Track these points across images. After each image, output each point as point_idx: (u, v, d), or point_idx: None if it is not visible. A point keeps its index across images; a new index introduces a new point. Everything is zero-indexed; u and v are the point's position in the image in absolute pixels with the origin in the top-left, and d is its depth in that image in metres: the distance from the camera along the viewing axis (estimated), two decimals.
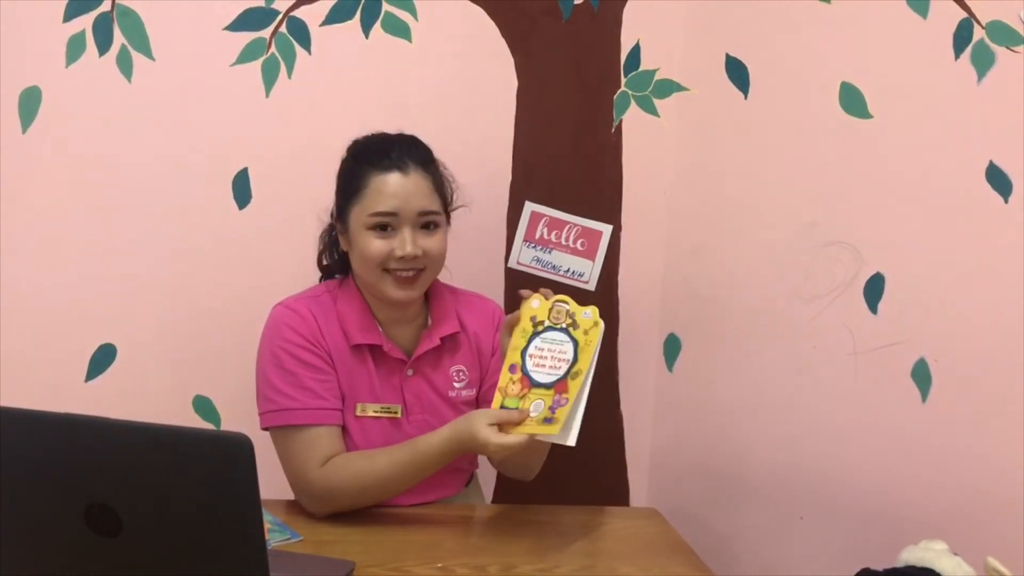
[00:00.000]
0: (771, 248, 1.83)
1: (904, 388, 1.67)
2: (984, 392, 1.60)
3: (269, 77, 1.79)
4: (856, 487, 1.73)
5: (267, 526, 1.34)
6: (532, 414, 1.37)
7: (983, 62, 1.57)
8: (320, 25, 1.80)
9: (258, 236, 1.83)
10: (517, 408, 1.38)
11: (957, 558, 1.26)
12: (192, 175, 1.79)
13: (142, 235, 1.79)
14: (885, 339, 1.69)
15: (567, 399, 1.37)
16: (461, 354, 1.57)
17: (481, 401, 1.57)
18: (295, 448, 1.44)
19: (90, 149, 1.76)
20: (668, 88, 1.92)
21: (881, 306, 1.70)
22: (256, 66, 1.78)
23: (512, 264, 1.91)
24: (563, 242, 1.91)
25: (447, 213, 1.52)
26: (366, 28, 1.81)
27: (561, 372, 1.40)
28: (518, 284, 1.52)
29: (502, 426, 1.37)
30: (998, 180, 1.57)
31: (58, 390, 1.78)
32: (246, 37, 1.77)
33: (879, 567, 1.27)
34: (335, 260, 1.59)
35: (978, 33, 1.57)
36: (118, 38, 1.74)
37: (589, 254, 1.91)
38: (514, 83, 1.89)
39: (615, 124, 1.93)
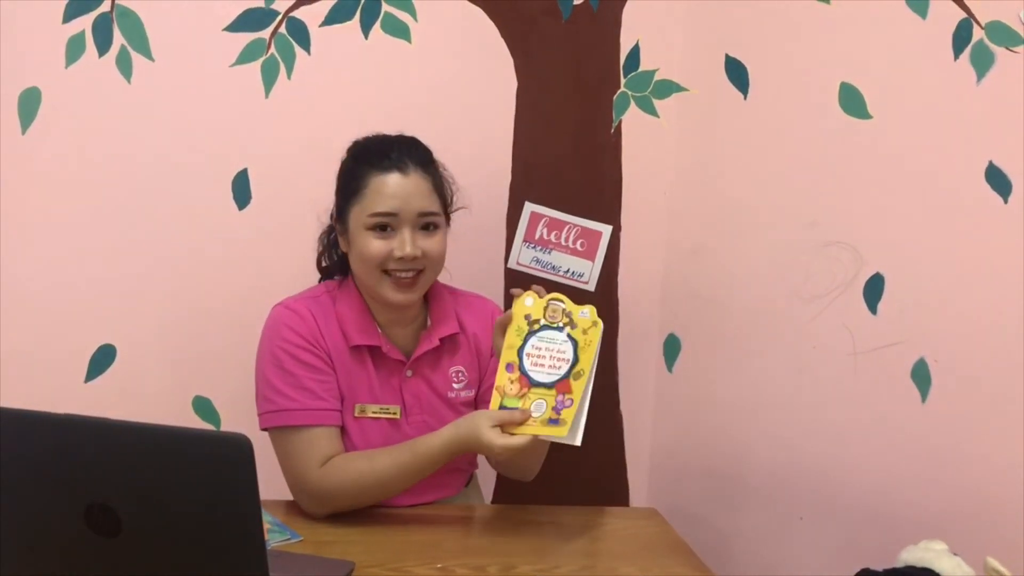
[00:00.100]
0: (771, 248, 1.83)
1: (904, 388, 1.67)
2: (984, 392, 1.60)
3: (269, 78, 1.79)
4: (856, 487, 1.73)
5: (267, 526, 1.34)
6: (534, 414, 1.37)
7: (982, 62, 1.57)
8: (320, 26, 1.80)
9: (258, 237, 1.83)
10: (518, 408, 1.38)
11: (957, 558, 1.26)
12: (192, 176, 1.79)
13: (142, 236, 1.79)
14: (885, 339, 1.69)
15: (572, 400, 1.37)
16: (460, 355, 1.57)
17: (480, 402, 1.57)
18: (294, 449, 1.44)
19: (90, 150, 1.76)
20: (668, 88, 1.92)
21: (881, 306, 1.70)
22: (256, 67, 1.78)
23: (512, 264, 1.91)
24: (563, 242, 1.91)
25: (447, 214, 1.52)
26: (366, 29, 1.81)
27: (562, 372, 1.40)
28: (517, 285, 1.52)
29: (505, 427, 1.37)
30: (997, 180, 1.57)
31: (58, 390, 1.78)
32: (246, 38, 1.77)
33: (879, 567, 1.27)
34: (334, 261, 1.59)
35: (977, 33, 1.57)
36: (118, 39, 1.74)
37: (589, 254, 1.91)
38: (514, 83, 1.89)
39: (615, 124, 1.93)
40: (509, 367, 1.41)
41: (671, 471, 2.01)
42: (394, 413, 1.51)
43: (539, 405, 1.38)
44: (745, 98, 1.84)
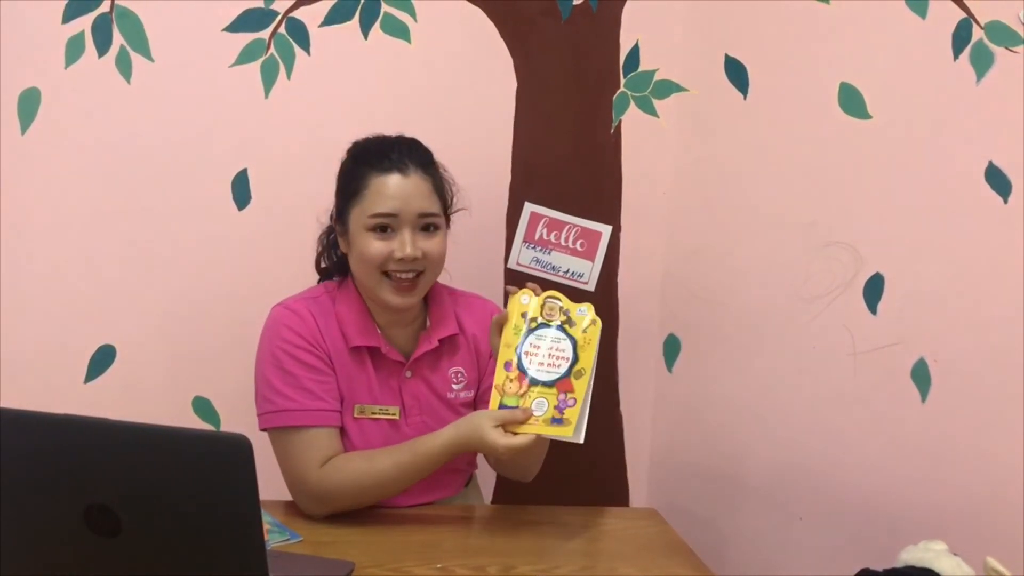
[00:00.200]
0: (771, 249, 1.83)
1: (903, 388, 1.67)
2: (984, 392, 1.60)
3: (268, 78, 1.79)
4: (856, 487, 1.73)
5: (266, 527, 1.34)
6: (536, 413, 1.37)
7: (982, 62, 1.57)
8: (319, 26, 1.80)
9: (257, 237, 1.83)
10: (519, 407, 1.38)
11: (957, 558, 1.26)
12: (191, 176, 1.79)
13: (141, 236, 1.79)
14: (885, 339, 1.69)
15: (575, 399, 1.37)
16: (460, 356, 1.57)
17: (479, 402, 1.57)
18: (294, 449, 1.44)
19: (89, 150, 1.76)
20: (667, 88, 1.92)
21: (881, 306, 1.70)
22: (255, 67, 1.79)
23: (512, 265, 1.91)
24: (562, 243, 1.91)
25: (447, 215, 1.52)
26: (365, 29, 1.81)
27: (562, 370, 1.40)
28: (517, 285, 1.52)
29: (507, 426, 1.37)
30: (997, 180, 1.57)
31: (58, 391, 1.78)
32: (245, 38, 1.77)
33: (878, 567, 1.27)
34: (334, 262, 1.59)
35: (977, 33, 1.57)
36: (117, 39, 1.74)
37: (589, 255, 1.91)
38: (513, 84, 1.89)
39: (614, 125, 1.93)
40: (507, 365, 1.41)
41: (671, 471, 2.00)
42: (393, 414, 1.50)
43: (540, 404, 1.38)
44: (745, 98, 1.84)
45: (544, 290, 1.47)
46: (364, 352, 1.50)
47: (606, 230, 1.90)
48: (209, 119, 1.79)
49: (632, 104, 1.92)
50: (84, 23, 1.73)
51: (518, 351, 1.41)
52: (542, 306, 1.43)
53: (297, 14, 1.79)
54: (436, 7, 1.83)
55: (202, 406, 1.85)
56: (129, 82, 1.75)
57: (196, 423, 1.83)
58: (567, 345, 1.41)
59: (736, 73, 1.84)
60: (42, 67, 1.72)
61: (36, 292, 1.77)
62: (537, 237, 1.90)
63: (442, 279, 1.57)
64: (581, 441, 1.37)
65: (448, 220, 1.53)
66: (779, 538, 1.85)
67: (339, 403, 1.48)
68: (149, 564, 0.95)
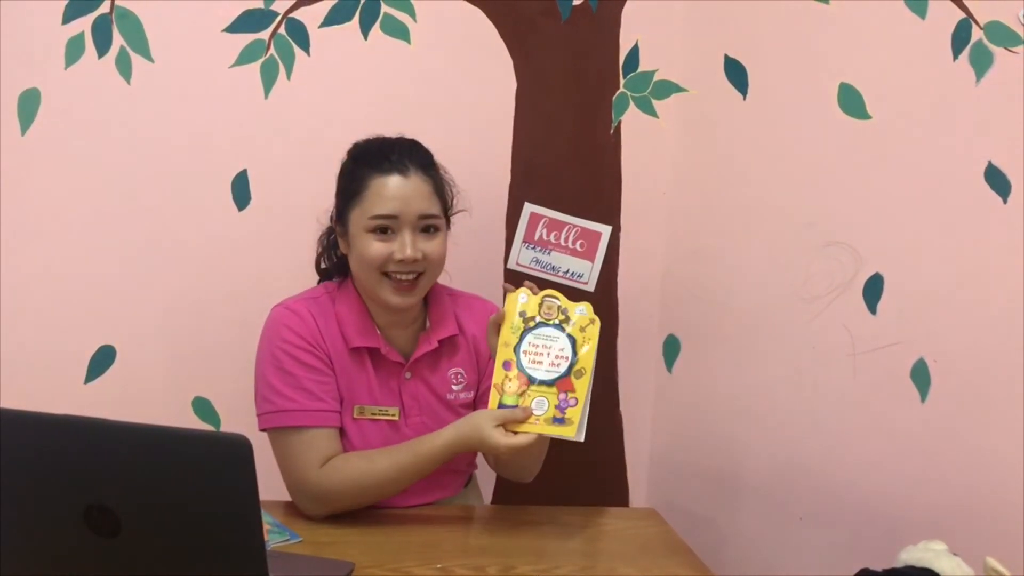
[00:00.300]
0: (770, 249, 1.83)
1: (903, 388, 1.67)
2: (984, 392, 1.60)
3: (268, 79, 1.79)
4: (855, 487, 1.73)
5: (266, 527, 1.34)
6: (536, 412, 1.38)
7: (981, 63, 1.57)
8: (319, 26, 1.80)
9: (257, 237, 1.83)
10: (519, 406, 1.38)
11: (956, 558, 1.26)
12: (191, 177, 1.79)
13: (141, 237, 1.79)
14: (884, 339, 1.69)
15: (576, 399, 1.38)
16: (459, 357, 1.57)
17: (479, 403, 1.57)
18: (293, 449, 1.44)
19: (89, 151, 1.76)
20: (667, 89, 1.92)
21: (880, 306, 1.70)
22: (255, 68, 1.79)
23: (511, 265, 1.92)
24: (562, 243, 1.91)
25: (447, 217, 1.52)
26: (365, 29, 1.81)
27: (561, 370, 1.40)
28: (517, 286, 1.52)
29: (507, 425, 1.37)
30: (997, 180, 1.57)
31: (58, 391, 1.78)
32: (245, 39, 1.78)
33: (878, 567, 1.27)
34: (334, 263, 1.59)
35: (976, 34, 1.57)
36: (117, 40, 1.74)
37: (588, 255, 1.92)
38: (513, 84, 1.89)
39: (614, 125, 1.93)
40: (506, 365, 1.41)
41: (671, 471, 2.01)
42: (393, 415, 1.50)
43: (540, 403, 1.38)
44: (744, 98, 1.84)
45: (537, 286, 1.47)
46: (364, 353, 1.50)
47: (606, 230, 1.91)
48: (209, 120, 1.79)
49: (632, 104, 1.92)
50: (84, 24, 1.73)
51: (517, 350, 1.41)
52: (540, 305, 1.43)
53: (297, 15, 1.79)
54: (436, 8, 1.83)
55: (202, 406, 1.85)
56: (129, 83, 1.75)
57: (196, 423, 1.83)
58: (566, 344, 1.41)
59: (736, 73, 1.84)
60: (42, 68, 1.72)
61: (36, 292, 1.77)
62: (537, 237, 1.91)
63: (442, 280, 1.57)
64: (582, 439, 1.38)
65: (448, 221, 1.53)
66: (779, 538, 1.85)
67: (339, 404, 1.48)
68: (149, 564, 0.95)
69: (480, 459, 1.64)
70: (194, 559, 0.94)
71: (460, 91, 1.87)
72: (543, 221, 1.90)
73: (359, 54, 1.81)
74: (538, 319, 1.43)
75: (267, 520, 1.39)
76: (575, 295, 1.51)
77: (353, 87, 1.82)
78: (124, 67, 1.75)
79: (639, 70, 1.91)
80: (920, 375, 1.66)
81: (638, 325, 1.99)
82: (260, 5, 1.77)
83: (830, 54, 1.72)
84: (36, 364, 1.77)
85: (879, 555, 1.32)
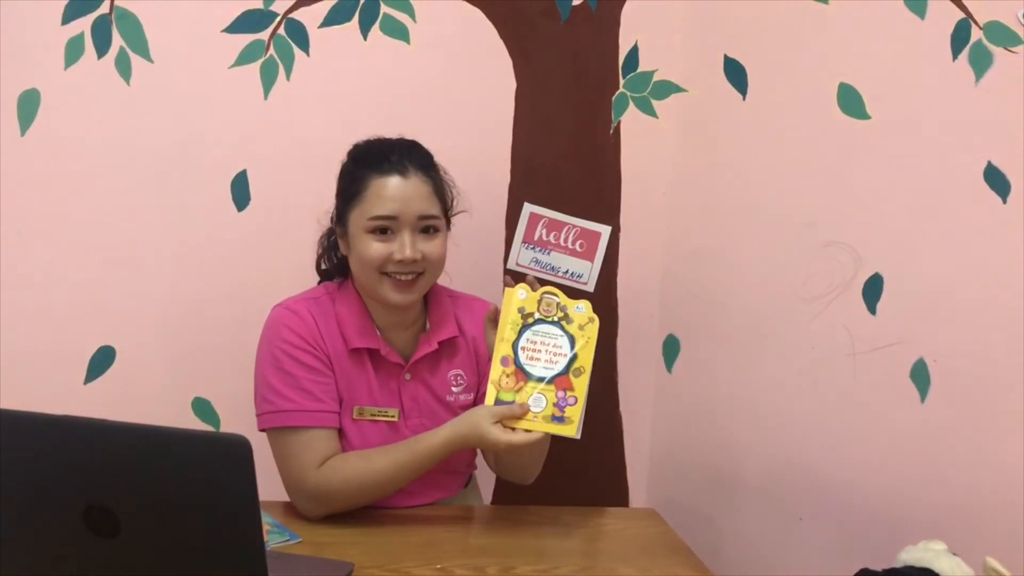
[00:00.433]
0: (770, 249, 1.83)
1: (903, 388, 1.67)
2: (983, 392, 1.60)
3: (268, 79, 1.79)
4: (855, 487, 1.73)
5: (266, 527, 1.34)
6: (533, 409, 1.38)
7: (981, 63, 1.57)
8: (318, 27, 1.80)
9: (257, 238, 1.83)
10: (516, 403, 1.39)
11: (956, 558, 1.26)
12: (191, 177, 1.79)
13: (141, 237, 1.79)
14: (884, 339, 1.69)
15: (575, 398, 1.38)
16: (459, 358, 1.57)
17: (478, 405, 1.56)
18: (291, 450, 1.44)
19: (89, 151, 1.76)
20: (666, 89, 1.92)
21: (880, 306, 1.70)
22: (255, 68, 1.79)
23: (511, 265, 1.91)
24: (562, 243, 1.90)
25: (447, 218, 1.52)
26: (364, 30, 1.81)
27: (559, 367, 1.40)
28: (518, 283, 1.53)
29: (506, 422, 1.37)
30: (996, 180, 1.57)
31: (57, 392, 1.78)
32: (245, 39, 1.78)
33: (878, 567, 1.27)
34: (334, 264, 1.59)
35: (976, 34, 1.57)
36: (117, 40, 1.74)
37: (588, 255, 1.91)
38: (512, 84, 1.89)
39: (613, 125, 1.93)
40: (504, 360, 1.41)
41: (670, 471, 2.01)
42: (392, 416, 1.50)
43: (538, 400, 1.39)
44: (744, 99, 1.84)
45: (537, 283, 1.47)
46: (364, 354, 1.50)
47: (605, 230, 1.90)
48: (208, 120, 1.79)
49: (631, 105, 1.92)
50: (84, 24, 1.73)
51: (515, 346, 1.42)
52: (539, 302, 1.43)
53: (296, 15, 1.79)
54: (435, 8, 1.83)
55: (202, 407, 1.85)
56: (129, 83, 1.75)
57: (196, 424, 1.83)
58: (564, 342, 1.42)
59: (735, 74, 1.84)
60: (42, 68, 1.72)
61: (36, 292, 1.77)
62: (536, 238, 1.90)
63: (442, 281, 1.57)
64: (579, 437, 1.38)
65: (449, 222, 1.53)
66: (779, 538, 1.85)
67: (338, 404, 1.48)
68: (149, 565, 0.95)
69: (480, 460, 1.64)
70: (194, 559, 0.94)
71: (460, 91, 1.87)
72: (543, 221, 1.90)
73: (359, 55, 1.81)
74: (537, 316, 1.43)
75: (267, 520, 1.39)
76: (575, 295, 1.51)
77: (352, 87, 1.82)
78: (124, 68, 1.75)
79: (639, 70, 1.91)
80: (920, 375, 1.66)
81: (638, 325, 1.99)
82: (260, 5, 1.77)
83: (830, 54, 1.72)
84: (36, 364, 1.77)
85: (879, 555, 1.32)
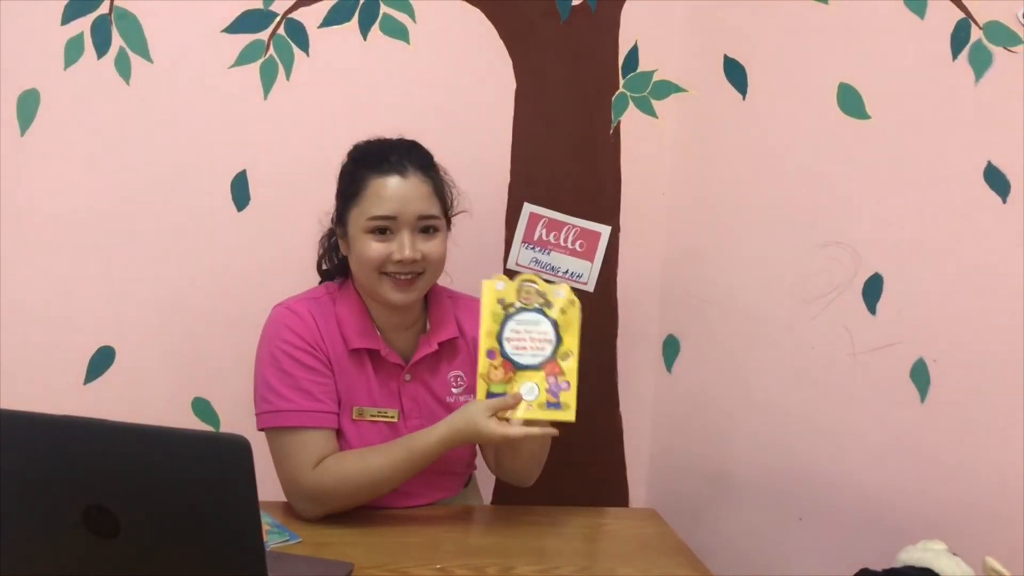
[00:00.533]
0: (770, 249, 1.83)
1: (903, 388, 1.67)
2: (983, 392, 1.60)
3: (267, 79, 1.79)
4: (855, 487, 1.73)
5: (266, 528, 1.34)
6: (526, 398, 1.39)
7: (981, 62, 1.57)
8: (318, 27, 1.80)
9: (257, 238, 1.83)
10: (508, 394, 1.39)
11: (956, 558, 1.26)
12: (190, 177, 1.79)
13: (141, 237, 1.79)
14: (884, 340, 1.69)
15: (567, 382, 1.39)
16: (459, 360, 1.56)
17: None
18: (288, 450, 1.44)
19: (88, 151, 1.76)
20: (666, 89, 1.92)
21: (880, 307, 1.70)
22: (254, 68, 1.79)
23: (511, 265, 1.91)
24: (562, 243, 1.91)
25: (447, 218, 1.52)
26: (364, 30, 1.81)
27: (546, 353, 1.41)
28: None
29: (501, 414, 1.38)
30: (996, 180, 1.57)
31: (57, 392, 1.78)
32: (244, 39, 1.78)
33: (878, 567, 1.27)
34: (335, 265, 1.59)
35: (976, 34, 1.58)
36: (116, 40, 1.74)
37: (588, 255, 1.91)
38: (512, 84, 1.89)
39: (613, 125, 1.93)
40: (490, 353, 1.41)
41: (670, 472, 2.00)
42: (392, 417, 1.50)
43: (530, 388, 1.39)
44: (744, 99, 1.84)
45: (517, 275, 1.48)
46: (364, 354, 1.50)
47: (605, 230, 1.91)
48: (208, 120, 1.79)
49: (631, 104, 1.92)
50: (83, 24, 1.73)
51: (499, 338, 1.42)
52: (518, 291, 1.43)
53: (296, 15, 1.79)
54: (435, 8, 1.83)
55: (201, 407, 1.85)
56: (128, 83, 1.75)
57: (195, 424, 1.83)
58: (548, 327, 1.42)
59: (735, 73, 1.84)
60: (41, 68, 1.72)
61: (36, 292, 1.77)
62: (536, 238, 1.91)
63: (442, 281, 1.57)
64: (573, 419, 1.40)
65: (449, 222, 1.53)
66: (779, 538, 1.85)
67: (337, 405, 1.48)
68: (148, 565, 0.95)
69: (480, 460, 1.64)
70: (193, 560, 0.94)
71: (459, 91, 1.87)
72: (542, 221, 1.90)
73: (358, 54, 1.81)
74: (518, 305, 1.43)
75: (266, 521, 1.39)
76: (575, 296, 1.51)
77: (352, 87, 1.82)
78: (123, 68, 1.75)
79: (638, 70, 1.91)
80: (920, 375, 1.66)
81: (638, 325, 1.99)
82: (259, 5, 1.77)
83: (829, 54, 1.72)
84: (36, 364, 1.77)
85: (879, 555, 1.32)
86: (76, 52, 1.73)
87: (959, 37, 1.59)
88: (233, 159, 1.81)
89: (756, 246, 1.85)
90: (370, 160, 1.48)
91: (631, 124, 1.93)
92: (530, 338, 1.41)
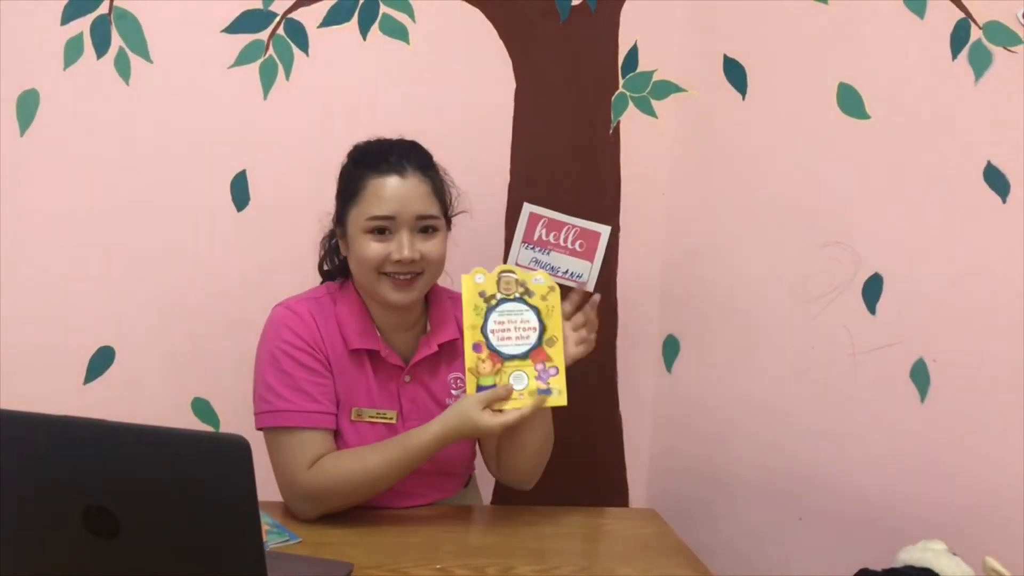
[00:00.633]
0: (770, 249, 1.83)
1: (903, 388, 1.67)
2: (983, 392, 1.60)
3: (267, 79, 1.79)
4: (855, 487, 1.73)
5: (265, 528, 1.34)
6: (516, 387, 1.39)
7: (980, 62, 1.57)
8: (318, 27, 1.80)
9: (256, 238, 1.83)
10: (498, 385, 1.39)
11: (956, 558, 1.26)
12: (190, 177, 1.79)
13: (140, 237, 1.79)
14: (883, 339, 1.69)
15: (555, 368, 1.40)
16: (459, 361, 1.55)
17: None
18: (285, 449, 1.44)
19: (88, 152, 1.76)
20: (666, 89, 1.92)
21: (879, 306, 1.70)
22: (254, 68, 1.79)
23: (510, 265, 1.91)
24: (561, 243, 1.91)
25: (447, 218, 1.52)
26: (364, 30, 1.81)
27: (532, 341, 1.42)
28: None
29: (493, 406, 1.38)
30: (996, 180, 1.57)
31: (56, 392, 1.78)
32: (244, 39, 1.78)
33: (878, 567, 1.27)
34: (335, 265, 1.59)
35: (975, 33, 1.58)
36: (116, 40, 1.74)
37: (587, 255, 1.91)
38: (512, 84, 1.89)
39: (613, 125, 1.93)
40: (476, 347, 1.42)
41: (670, 471, 2.00)
42: (391, 418, 1.50)
43: (519, 377, 1.40)
44: (743, 98, 1.84)
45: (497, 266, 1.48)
46: (364, 355, 1.50)
47: (605, 231, 1.90)
48: (208, 120, 1.79)
49: (631, 104, 1.92)
50: (83, 24, 1.73)
51: (484, 330, 1.42)
52: (498, 282, 1.44)
53: (296, 15, 1.79)
54: (435, 8, 1.83)
55: (201, 407, 1.85)
56: (128, 83, 1.75)
57: (195, 424, 1.83)
58: (530, 316, 1.43)
59: (735, 73, 1.84)
60: (41, 68, 1.72)
61: (36, 293, 1.77)
62: (536, 238, 1.90)
63: (442, 281, 1.57)
64: (565, 403, 1.42)
65: (448, 222, 1.53)
66: (778, 538, 1.85)
67: (335, 406, 1.48)
68: (148, 565, 0.95)
69: (479, 461, 1.64)
70: (193, 560, 0.94)
71: (459, 91, 1.87)
72: (542, 221, 1.90)
73: (358, 54, 1.81)
74: (499, 296, 1.43)
75: (266, 521, 1.39)
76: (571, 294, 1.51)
77: (352, 87, 1.82)
78: (123, 68, 1.75)
79: (638, 70, 1.91)
80: (920, 375, 1.66)
81: (637, 325, 1.99)
82: (259, 6, 1.77)
83: (829, 54, 1.72)
84: (35, 364, 1.77)
85: (879, 555, 1.32)
86: (76, 52, 1.73)
87: (959, 37, 1.59)
88: (233, 159, 1.81)
89: (756, 246, 1.85)
90: (369, 160, 1.48)
91: (631, 124, 1.93)
92: (514, 327, 1.42)
